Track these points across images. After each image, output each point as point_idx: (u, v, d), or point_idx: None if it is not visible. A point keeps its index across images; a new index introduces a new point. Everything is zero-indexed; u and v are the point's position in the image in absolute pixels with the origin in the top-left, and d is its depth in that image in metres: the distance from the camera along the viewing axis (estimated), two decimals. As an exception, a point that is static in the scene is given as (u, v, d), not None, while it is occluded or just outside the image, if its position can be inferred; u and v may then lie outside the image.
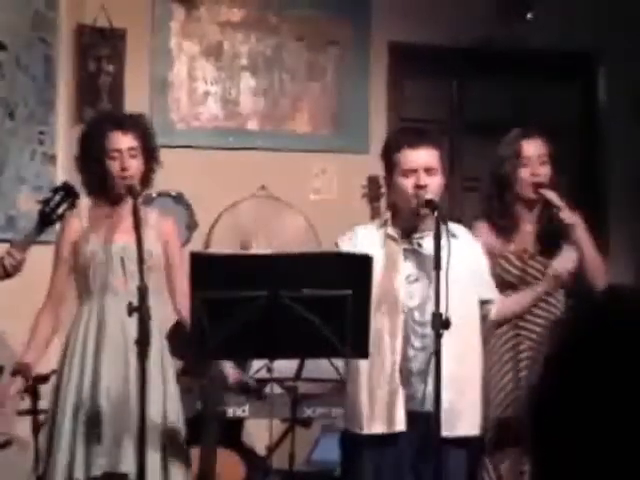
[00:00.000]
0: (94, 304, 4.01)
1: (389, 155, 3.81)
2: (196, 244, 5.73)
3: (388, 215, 3.83)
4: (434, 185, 3.74)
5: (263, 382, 4.57)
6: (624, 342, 1.07)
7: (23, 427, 4.51)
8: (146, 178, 4.11)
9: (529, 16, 6.15)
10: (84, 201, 4.14)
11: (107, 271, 4.01)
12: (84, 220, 4.09)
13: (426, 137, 3.85)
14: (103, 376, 3.93)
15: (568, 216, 4.21)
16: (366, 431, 3.72)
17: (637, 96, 6.40)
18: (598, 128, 6.64)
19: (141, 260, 3.65)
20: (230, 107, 6.10)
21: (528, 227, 4.31)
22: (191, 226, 5.82)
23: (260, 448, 5.29)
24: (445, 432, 3.58)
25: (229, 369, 4.20)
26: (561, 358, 1.10)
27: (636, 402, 1.05)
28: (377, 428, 3.71)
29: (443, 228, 3.58)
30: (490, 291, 3.97)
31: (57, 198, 3.95)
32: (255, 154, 6.07)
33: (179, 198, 5.79)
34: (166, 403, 4.02)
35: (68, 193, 3.97)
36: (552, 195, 4.21)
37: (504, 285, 4.23)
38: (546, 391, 1.11)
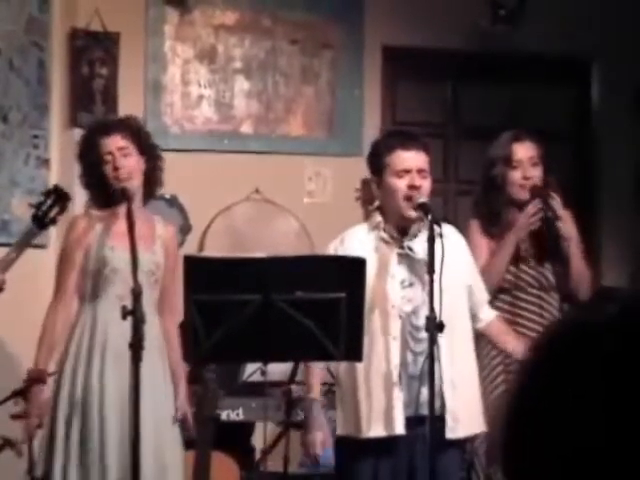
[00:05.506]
0: (98, 308, 3.98)
1: (379, 156, 3.78)
2: (190, 247, 5.72)
3: (380, 218, 3.79)
4: (426, 187, 3.73)
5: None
6: (610, 346, 1.06)
7: (18, 431, 4.50)
8: (151, 177, 4.09)
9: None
10: (83, 203, 4.13)
11: (114, 277, 3.97)
12: (94, 224, 4.05)
13: (418, 140, 3.83)
14: (108, 383, 3.90)
15: (565, 229, 4.21)
16: (365, 435, 3.68)
17: (632, 99, 6.41)
18: (593, 131, 6.64)
19: (135, 263, 3.64)
20: (224, 110, 6.10)
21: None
22: (185, 229, 5.82)
23: (255, 451, 5.28)
24: (448, 435, 3.59)
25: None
26: (538, 363, 1.08)
27: (617, 409, 1.02)
28: (376, 431, 3.66)
29: (437, 231, 3.57)
30: (482, 294, 3.97)
31: (49, 202, 3.94)
32: (249, 157, 6.07)
33: (173, 201, 5.78)
34: (171, 408, 4.03)
35: (60, 196, 3.96)
36: (556, 202, 4.20)
37: (497, 290, 4.24)
38: (522, 397, 1.08)
